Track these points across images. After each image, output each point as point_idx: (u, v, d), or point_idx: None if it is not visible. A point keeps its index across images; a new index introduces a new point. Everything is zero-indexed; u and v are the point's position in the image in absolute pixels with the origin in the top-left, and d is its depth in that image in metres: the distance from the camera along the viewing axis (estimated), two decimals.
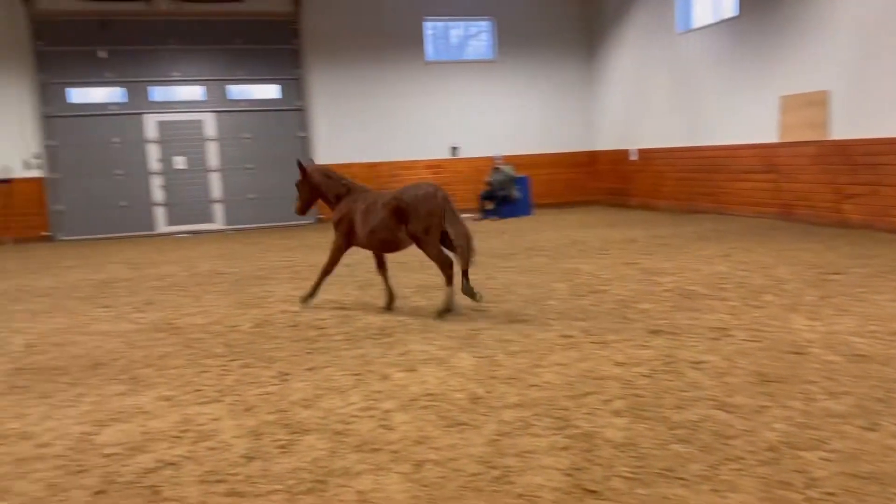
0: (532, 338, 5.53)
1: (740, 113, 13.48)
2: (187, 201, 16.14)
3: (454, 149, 17.64)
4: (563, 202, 17.80)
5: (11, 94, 15.07)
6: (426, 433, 3.76)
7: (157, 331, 6.43)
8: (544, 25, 17.94)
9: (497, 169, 16.16)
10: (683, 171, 15.40)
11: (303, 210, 7.13)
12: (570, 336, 5.54)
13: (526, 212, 16.40)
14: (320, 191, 6.98)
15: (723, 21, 13.99)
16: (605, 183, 18.30)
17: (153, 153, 15.90)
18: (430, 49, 17.57)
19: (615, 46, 17.54)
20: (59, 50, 15.19)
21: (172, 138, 15.98)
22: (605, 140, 18.18)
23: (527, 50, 17.91)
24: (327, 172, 7.06)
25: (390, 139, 17.23)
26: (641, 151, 16.83)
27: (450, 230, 6.27)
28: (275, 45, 16.39)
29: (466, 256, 6.20)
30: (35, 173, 15.30)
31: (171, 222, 16.10)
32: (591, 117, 18.53)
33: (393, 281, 7.04)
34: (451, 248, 6.36)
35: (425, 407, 4.15)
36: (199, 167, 16.17)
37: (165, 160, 15.98)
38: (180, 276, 9.67)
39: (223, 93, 16.28)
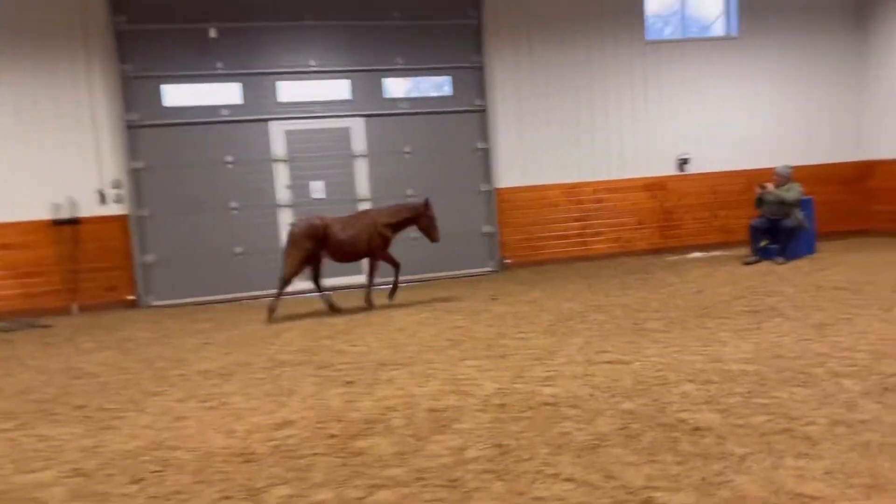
0: None
1: None
2: None
3: (683, 161, 12.70)
4: (826, 232, 12.61)
5: (82, 95, 10.35)
6: None
7: None
8: None
9: (764, 188, 11.21)
10: None
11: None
12: None
13: (808, 249, 11.46)
14: None
15: None
16: (889, 205, 13.16)
17: (281, 176, 11.10)
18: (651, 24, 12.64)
19: None
20: (149, 29, 10.50)
21: (306, 155, 11.19)
22: (888, 147, 13.09)
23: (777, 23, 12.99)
24: None
25: (595, 152, 12.37)
26: None
27: None
28: (446, 20, 11.62)
29: None
30: (114, 209, 10.52)
31: None
32: (863, 116, 13.49)
33: None
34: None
35: None
36: (343, 195, 11.33)
37: (297, 186, 11.17)
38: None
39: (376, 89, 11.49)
